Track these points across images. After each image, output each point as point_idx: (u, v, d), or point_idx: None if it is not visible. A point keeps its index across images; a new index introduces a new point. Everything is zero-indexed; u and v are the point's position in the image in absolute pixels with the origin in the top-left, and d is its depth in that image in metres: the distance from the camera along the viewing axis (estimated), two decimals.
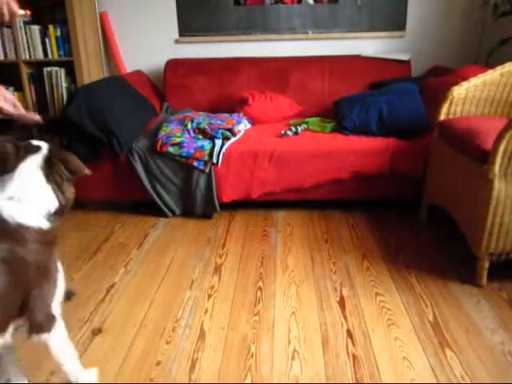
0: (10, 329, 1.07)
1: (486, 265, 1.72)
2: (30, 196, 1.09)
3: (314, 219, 2.40)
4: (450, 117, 2.12)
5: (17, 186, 1.08)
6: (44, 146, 1.17)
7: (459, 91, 2.06)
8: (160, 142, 2.36)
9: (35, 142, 1.18)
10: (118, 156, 2.36)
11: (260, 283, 1.82)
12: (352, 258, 1.99)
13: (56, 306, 1.15)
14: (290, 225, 2.33)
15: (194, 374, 1.36)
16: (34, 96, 3.09)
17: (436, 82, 2.59)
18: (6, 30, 2.94)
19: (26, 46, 2.97)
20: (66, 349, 1.20)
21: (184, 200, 2.45)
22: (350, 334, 1.51)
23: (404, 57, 2.99)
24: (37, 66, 3.07)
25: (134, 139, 2.43)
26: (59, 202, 1.15)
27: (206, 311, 1.66)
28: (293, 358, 1.41)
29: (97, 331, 1.55)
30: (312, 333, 1.52)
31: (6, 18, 1.24)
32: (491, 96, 2.09)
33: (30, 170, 1.11)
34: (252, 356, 1.42)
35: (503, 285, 1.75)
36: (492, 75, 2.05)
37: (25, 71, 3.03)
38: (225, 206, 2.44)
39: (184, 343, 1.49)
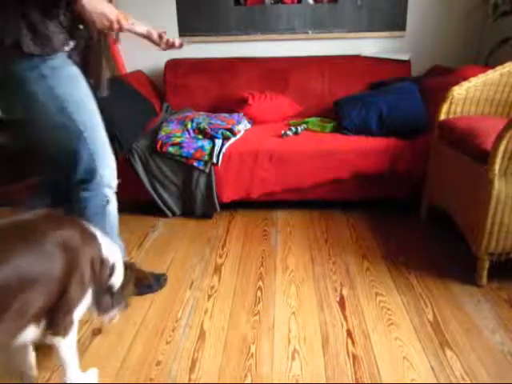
0: (43, 322, 1.10)
1: (486, 265, 1.71)
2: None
3: (314, 219, 2.40)
4: (450, 117, 2.12)
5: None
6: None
7: (459, 91, 2.06)
8: (160, 142, 2.36)
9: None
10: (118, 156, 2.35)
11: (260, 283, 1.82)
12: (352, 258, 1.99)
13: (77, 314, 1.17)
14: (289, 225, 2.33)
15: (194, 374, 1.36)
16: None
17: (436, 81, 2.59)
18: None
19: None
20: (72, 353, 1.21)
21: (184, 200, 2.44)
22: (349, 334, 1.51)
23: (404, 57, 2.99)
24: None
25: (134, 139, 2.43)
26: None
27: (206, 311, 1.66)
28: (293, 358, 1.41)
29: (97, 331, 1.55)
30: (312, 333, 1.52)
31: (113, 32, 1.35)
32: (491, 96, 2.09)
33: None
34: (252, 356, 1.42)
35: (503, 285, 1.75)
36: (492, 75, 2.05)
37: None
38: (225, 206, 2.44)
39: (184, 343, 1.49)
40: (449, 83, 2.15)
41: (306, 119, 2.72)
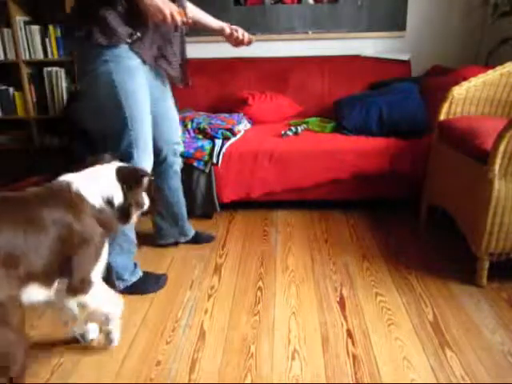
0: (55, 285, 1.25)
1: (486, 265, 1.71)
2: (98, 182, 1.33)
3: (313, 219, 2.40)
4: (450, 117, 2.12)
5: (92, 172, 1.35)
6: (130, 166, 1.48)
7: (459, 91, 2.06)
8: None
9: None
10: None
11: (260, 283, 1.82)
12: (352, 258, 1.99)
13: (95, 274, 1.32)
14: (289, 225, 2.33)
15: (194, 374, 1.36)
16: (34, 96, 3.10)
17: (436, 81, 2.59)
18: (5, 30, 2.94)
19: (25, 45, 2.98)
20: (100, 306, 1.36)
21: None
22: (349, 334, 1.51)
23: (404, 57, 2.99)
24: (37, 66, 3.07)
25: None
26: (123, 201, 1.37)
27: (206, 311, 1.65)
28: (293, 358, 1.41)
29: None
30: (312, 333, 1.52)
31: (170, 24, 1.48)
32: (491, 96, 2.09)
33: (107, 168, 1.38)
34: (252, 356, 1.42)
35: (503, 285, 1.75)
36: (492, 75, 2.05)
37: (25, 71, 3.03)
38: (225, 206, 2.44)
39: (184, 343, 1.49)
40: (449, 83, 2.15)
41: (306, 119, 2.72)
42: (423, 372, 1.33)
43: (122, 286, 1.74)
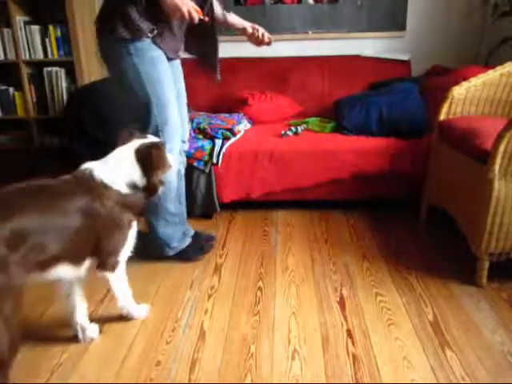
0: (86, 263, 1.39)
1: (486, 265, 1.71)
2: (119, 166, 1.41)
3: (313, 219, 2.40)
4: (450, 117, 2.12)
5: (112, 157, 1.44)
6: (146, 139, 1.51)
7: (459, 91, 2.06)
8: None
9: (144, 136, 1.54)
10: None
11: (260, 283, 1.82)
12: (352, 258, 1.99)
13: (122, 255, 1.46)
14: (289, 225, 2.33)
15: (194, 374, 1.36)
16: (34, 96, 3.10)
17: (436, 81, 2.59)
18: (5, 30, 2.94)
19: (25, 45, 2.98)
20: (122, 289, 1.52)
21: None
22: (349, 334, 1.51)
23: (404, 57, 2.99)
24: (37, 66, 3.07)
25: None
26: (145, 182, 1.44)
27: (206, 311, 1.65)
28: (293, 358, 1.41)
29: None
30: (312, 333, 1.52)
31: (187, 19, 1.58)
32: (491, 96, 2.09)
33: (127, 150, 1.45)
34: (252, 356, 1.42)
35: (503, 285, 1.75)
36: (492, 75, 2.05)
37: (25, 71, 3.03)
38: (225, 206, 2.44)
39: (184, 343, 1.49)
40: (449, 83, 2.15)
41: (306, 119, 2.72)
42: (423, 372, 1.33)
43: (170, 252, 1.95)
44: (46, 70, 3.02)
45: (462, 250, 1.91)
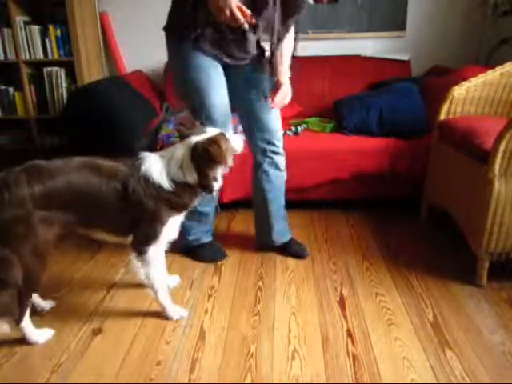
0: (130, 238, 1.51)
1: (486, 265, 1.71)
2: (171, 164, 1.45)
3: (314, 219, 2.40)
4: (450, 117, 2.12)
5: (168, 153, 1.49)
6: (205, 134, 1.49)
7: (459, 91, 2.06)
8: (160, 142, 2.36)
9: (203, 130, 1.53)
10: (118, 156, 2.35)
11: (260, 283, 1.82)
12: (352, 258, 1.99)
13: (153, 247, 1.50)
14: (289, 225, 2.33)
15: (194, 374, 1.36)
16: (34, 96, 3.10)
17: (436, 81, 2.59)
18: (5, 30, 2.94)
19: (25, 46, 2.98)
20: (151, 279, 1.54)
21: None
22: (349, 334, 1.51)
23: (404, 57, 2.99)
24: (37, 66, 3.07)
25: (134, 139, 2.42)
26: (197, 180, 1.46)
27: (206, 311, 1.65)
28: (293, 358, 1.41)
29: (97, 331, 1.55)
30: (312, 333, 1.52)
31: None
32: (491, 96, 2.09)
33: (183, 147, 1.47)
34: (252, 356, 1.42)
35: (503, 285, 1.75)
36: (492, 75, 2.05)
37: (25, 71, 3.03)
38: (225, 206, 2.44)
39: (184, 343, 1.49)
40: (449, 83, 2.15)
41: (306, 119, 2.72)
42: (423, 372, 1.33)
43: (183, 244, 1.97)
44: (45, 69, 3.02)
45: (462, 250, 1.91)
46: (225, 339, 1.50)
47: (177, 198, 1.46)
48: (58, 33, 2.95)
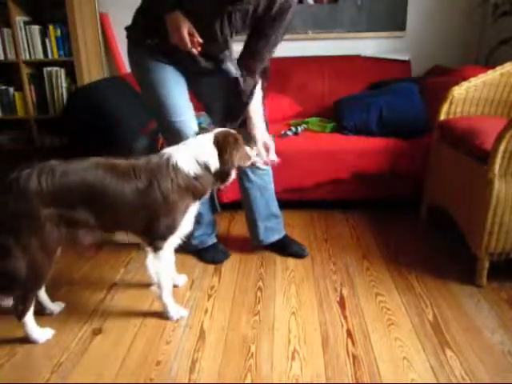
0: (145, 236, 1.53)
1: (486, 265, 1.71)
2: (196, 148, 1.50)
3: (314, 219, 2.40)
4: (450, 117, 2.12)
5: (191, 141, 1.56)
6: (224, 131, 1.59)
7: (459, 91, 2.06)
8: (161, 142, 2.36)
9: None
10: (118, 156, 2.35)
11: (260, 283, 1.82)
12: (352, 258, 1.99)
13: (169, 241, 1.53)
14: (290, 225, 2.33)
15: (194, 374, 1.36)
16: (34, 96, 3.10)
17: (436, 81, 2.59)
18: (5, 30, 2.94)
19: (26, 45, 2.97)
20: (159, 275, 1.54)
21: None
22: (349, 334, 1.51)
23: (404, 57, 2.99)
24: (37, 66, 3.07)
25: (133, 139, 2.42)
26: (221, 164, 1.51)
27: (206, 311, 1.65)
28: (293, 358, 1.41)
29: (97, 331, 1.55)
30: (312, 333, 1.52)
31: None
32: (491, 96, 2.09)
33: (206, 135, 1.55)
34: (252, 356, 1.42)
35: (503, 285, 1.75)
36: (492, 75, 2.05)
37: (25, 71, 3.03)
38: (225, 207, 2.44)
39: (184, 343, 1.49)
40: (449, 83, 2.15)
41: (306, 119, 2.72)
42: (423, 372, 1.33)
43: (190, 248, 1.97)
44: (45, 69, 3.02)
45: (462, 250, 1.91)
46: (225, 339, 1.50)
47: (199, 183, 1.50)
48: (58, 33, 2.95)
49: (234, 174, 1.59)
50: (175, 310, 1.61)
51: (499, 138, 1.57)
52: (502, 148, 1.58)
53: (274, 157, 1.80)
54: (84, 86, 2.72)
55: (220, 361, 1.40)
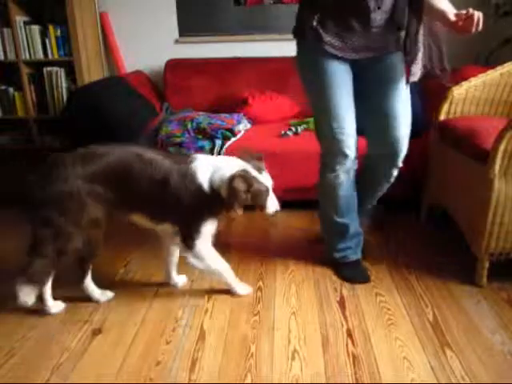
0: (165, 226, 1.62)
1: (486, 265, 1.71)
2: (216, 172, 1.54)
3: (314, 219, 2.39)
4: (450, 117, 2.12)
5: (219, 161, 1.60)
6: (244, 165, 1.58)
7: (459, 91, 2.06)
8: (160, 142, 2.36)
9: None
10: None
11: (260, 283, 1.82)
12: None
13: (199, 242, 1.60)
14: (290, 225, 2.33)
15: (194, 374, 1.36)
16: (34, 96, 3.10)
17: (436, 82, 2.59)
18: (5, 30, 2.94)
19: (25, 45, 2.98)
20: (213, 270, 1.66)
21: None
22: (349, 334, 1.51)
23: None
24: (37, 66, 3.07)
25: (133, 139, 2.42)
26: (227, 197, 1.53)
27: (206, 311, 1.65)
28: (293, 358, 1.41)
29: (97, 331, 1.55)
30: (312, 333, 1.52)
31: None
32: (491, 96, 2.09)
33: (229, 167, 1.54)
34: (252, 356, 1.42)
35: (503, 285, 1.75)
36: (492, 75, 2.05)
37: (25, 71, 3.03)
38: None
39: (184, 343, 1.49)
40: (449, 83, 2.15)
41: (306, 119, 2.71)
42: (423, 372, 1.33)
43: None
44: (45, 69, 3.03)
45: (462, 250, 1.91)
46: (225, 339, 1.50)
47: (213, 202, 1.55)
48: (58, 33, 2.95)
49: (240, 212, 1.56)
50: (241, 288, 1.73)
51: (499, 138, 1.57)
52: (502, 148, 1.58)
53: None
54: (84, 86, 2.72)
55: (220, 361, 1.40)
